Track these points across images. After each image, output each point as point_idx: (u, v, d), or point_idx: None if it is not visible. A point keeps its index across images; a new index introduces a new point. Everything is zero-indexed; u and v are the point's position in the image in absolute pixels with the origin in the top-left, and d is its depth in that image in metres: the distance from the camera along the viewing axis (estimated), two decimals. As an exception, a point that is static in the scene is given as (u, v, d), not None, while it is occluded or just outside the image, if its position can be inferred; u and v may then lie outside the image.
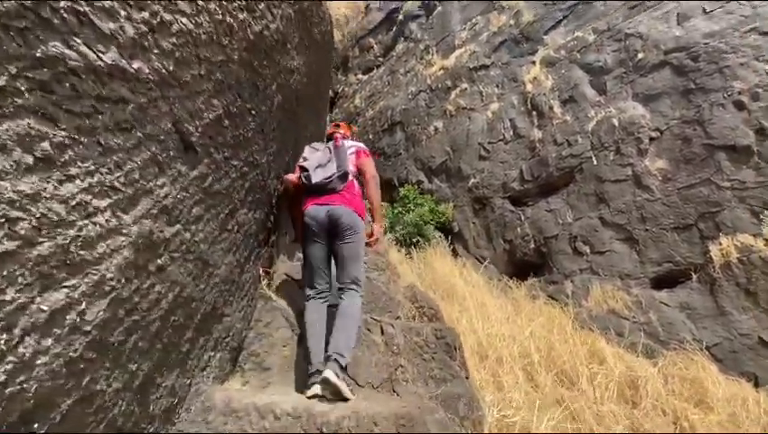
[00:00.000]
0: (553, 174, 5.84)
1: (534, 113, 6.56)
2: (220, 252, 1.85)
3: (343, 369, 1.89)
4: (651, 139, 4.99)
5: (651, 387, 3.02)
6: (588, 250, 5.04)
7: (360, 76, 13.79)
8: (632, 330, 4.07)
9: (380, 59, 13.17)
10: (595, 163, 5.39)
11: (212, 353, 1.82)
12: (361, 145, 2.70)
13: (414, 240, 6.22)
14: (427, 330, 2.26)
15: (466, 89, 8.11)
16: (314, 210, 2.28)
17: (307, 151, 2.57)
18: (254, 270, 2.29)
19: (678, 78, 5.08)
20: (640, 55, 5.52)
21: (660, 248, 4.47)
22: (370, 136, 10.36)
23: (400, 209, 6.77)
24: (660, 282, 4.41)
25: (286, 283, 2.57)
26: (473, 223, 6.62)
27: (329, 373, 1.78)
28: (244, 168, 2.11)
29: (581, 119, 5.88)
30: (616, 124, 5.34)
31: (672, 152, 4.77)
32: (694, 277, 4.16)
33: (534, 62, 7.16)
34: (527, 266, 5.71)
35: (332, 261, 2.35)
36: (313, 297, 2.22)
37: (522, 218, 5.98)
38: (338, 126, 2.96)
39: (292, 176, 2.49)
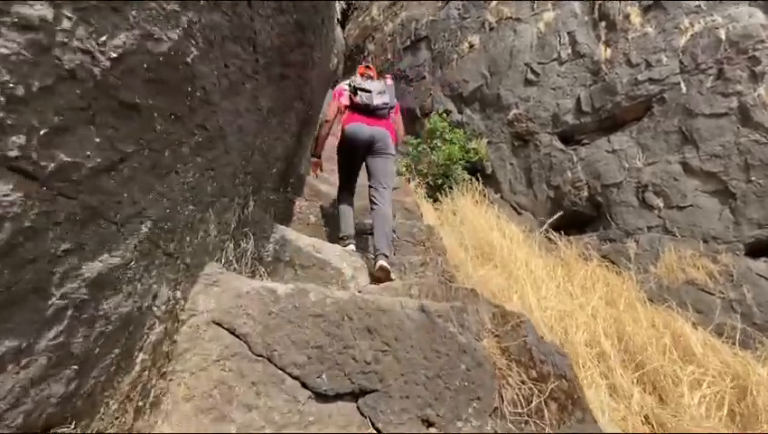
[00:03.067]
0: (621, 104, 4.64)
1: (602, 24, 5.14)
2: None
3: (388, 258, 2.16)
4: (774, 59, 3.71)
5: (764, 398, 2.25)
6: (661, 204, 4.05)
7: (378, -18, 11.72)
8: (718, 308, 3.25)
9: (404, -40, 11.02)
10: (684, 90, 4.17)
11: None
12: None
13: (440, 183, 5.27)
14: None
15: (512, -7, 6.51)
16: (360, 127, 2.63)
17: (359, 79, 2.82)
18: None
19: (826, -31, 3.64)
20: (770, -63, 3.98)
21: (766, 205, 3.46)
22: (389, 56, 8.89)
23: (425, 145, 5.72)
24: (760, 250, 3.48)
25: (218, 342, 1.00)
26: (511, 164, 5.58)
27: (382, 262, 2.10)
28: None
29: (668, 32, 4.51)
30: (722, 37, 4.01)
31: (803, 76, 3.53)
32: (810, 245, 3.22)
33: (607, -45, 5.52)
34: (575, 218, 4.78)
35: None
36: (345, 193, 2.69)
37: (575, 159, 4.92)
38: (369, 67, 3.08)
39: (344, 100, 2.78)
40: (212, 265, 1.22)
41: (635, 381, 2.32)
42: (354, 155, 2.65)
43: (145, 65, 0.90)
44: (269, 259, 1.75)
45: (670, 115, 4.23)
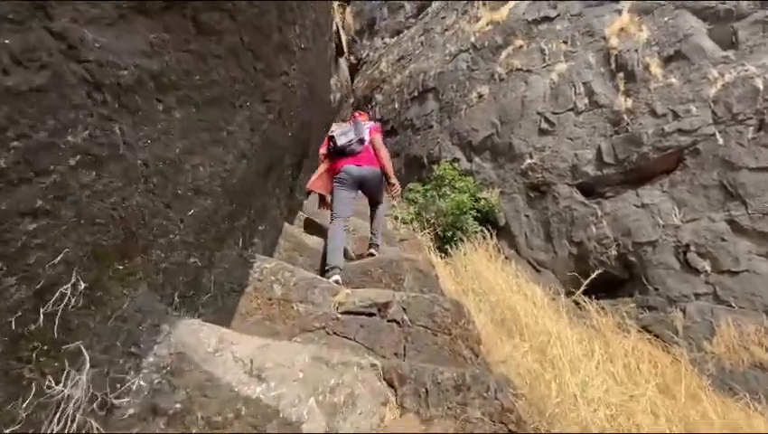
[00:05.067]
0: (648, 155, 4.26)
1: (620, 75, 4.92)
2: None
3: (378, 247, 3.04)
4: (824, 109, 3.35)
5: None
6: (709, 267, 3.50)
7: (387, 39, 12.14)
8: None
9: (412, 20, 11.47)
10: (722, 142, 3.79)
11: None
12: (374, 123, 3.32)
13: (449, 234, 4.77)
14: None
15: (522, 46, 6.47)
16: (349, 168, 2.96)
17: (335, 126, 3.22)
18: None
19: None
20: (799, -11, 3.82)
21: (842, 274, 2.92)
22: (396, 106, 8.84)
23: (433, 192, 5.31)
24: (842, 327, 2.88)
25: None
26: (527, 216, 5.12)
27: (372, 250, 2.98)
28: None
29: (695, 82, 4.24)
30: (760, 87, 3.70)
31: None
32: None
33: (620, 11, 5.47)
34: (604, 279, 4.21)
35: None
36: (337, 220, 2.84)
37: (599, 214, 4.45)
38: (358, 113, 3.49)
39: (322, 148, 3.25)
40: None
41: None
42: (347, 192, 2.96)
43: None
44: (133, 410, 0.84)
45: (707, 168, 3.81)
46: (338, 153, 3.01)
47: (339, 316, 1.55)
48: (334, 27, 3.29)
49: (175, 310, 1.16)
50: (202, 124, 1.17)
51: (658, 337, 3.37)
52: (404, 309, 1.55)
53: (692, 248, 3.62)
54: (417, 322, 1.52)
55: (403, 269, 2.06)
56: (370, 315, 1.56)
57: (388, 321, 1.53)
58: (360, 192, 3.08)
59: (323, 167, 3.14)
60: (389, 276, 2.07)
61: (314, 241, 2.62)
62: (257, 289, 1.54)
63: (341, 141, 2.98)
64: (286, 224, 2.49)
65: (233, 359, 1.00)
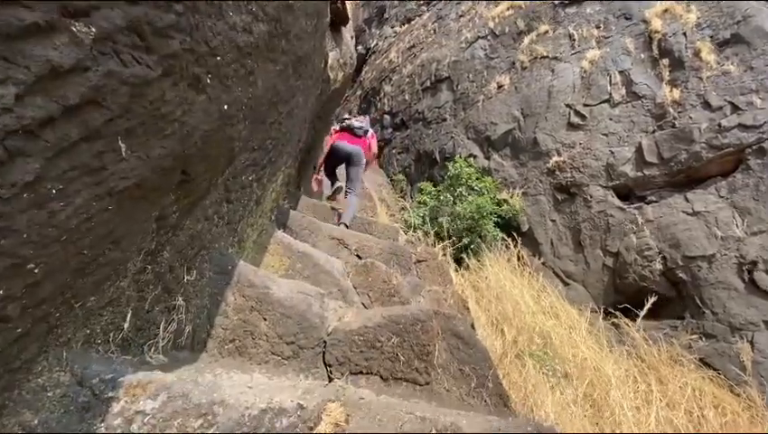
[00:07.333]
0: (701, 154, 3.68)
1: (664, 62, 4.32)
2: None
3: (348, 227, 3.23)
4: None
5: None
6: (782, 290, 2.94)
7: (397, 28, 11.53)
8: None
9: (424, 7, 10.85)
10: (795, 140, 3.20)
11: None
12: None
13: (467, 241, 4.22)
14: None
15: (547, 32, 5.87)
16: (344, 144, 3.81)
17: (347, 116, 4.20)
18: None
19: None
20: None
21: None
22: (406, 98, 8.27)
23: (447, 194, 4.75)
24: None
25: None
26: (553, 221, 4.56)
27: (341, 223, 3.37)
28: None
29: (759, 70, 3.64)
30: None
31: None
32: None
33: (662, -9, 4.85)
34: (646, 296, 3.66)
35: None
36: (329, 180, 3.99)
37: (639, 221, 3.88)
38: (356, 116, 4.40)
39: (336, 126, 4.13)
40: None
41: None
42: (337, 162, 3.91)
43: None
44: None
45: (777, 170, 3.23)
46: (343, 129, 3.88)
47: None
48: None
49: None
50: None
51: (720, 373, 2.82)
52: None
53: (760, 265, 3.05)
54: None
55: (431, 336, 1.28)
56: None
57: None
58: (344, 165, 3.85)
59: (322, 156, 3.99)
60: (410, 348, 1.26)
61: (289, 289, 1.42)
62: (118, 419, 0.67)
63: (354, 124, 3.87)
64: (243, 264, 1.42)
65: None
